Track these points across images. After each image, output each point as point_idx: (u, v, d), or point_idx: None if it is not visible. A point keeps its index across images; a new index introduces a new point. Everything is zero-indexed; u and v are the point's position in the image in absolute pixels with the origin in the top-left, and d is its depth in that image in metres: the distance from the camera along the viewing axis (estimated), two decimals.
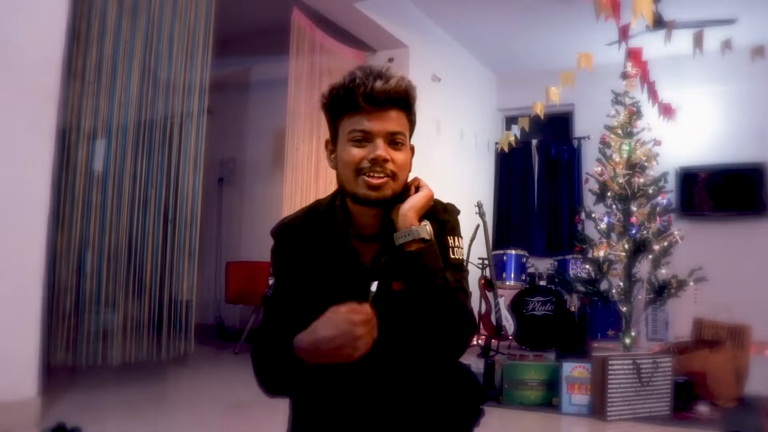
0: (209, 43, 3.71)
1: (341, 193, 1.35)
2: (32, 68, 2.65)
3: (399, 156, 1.28)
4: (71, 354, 3.39)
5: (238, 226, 6.00)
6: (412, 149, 1.36)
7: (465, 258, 1.41)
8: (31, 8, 2.67)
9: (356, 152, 1.26)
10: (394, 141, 1.28)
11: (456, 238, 1.37)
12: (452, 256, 1.34)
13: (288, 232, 1.37)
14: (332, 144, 1.35)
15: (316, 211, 1.39)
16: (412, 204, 1.30)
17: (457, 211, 1.43)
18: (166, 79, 3.71)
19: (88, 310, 3.47)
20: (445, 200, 1.45)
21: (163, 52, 3.62)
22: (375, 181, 1.26)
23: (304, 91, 4.72)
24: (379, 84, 1.23)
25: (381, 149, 1.25)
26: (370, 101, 1.24)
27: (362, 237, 1.34)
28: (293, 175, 4.65)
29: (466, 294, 1.33)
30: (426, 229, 1.27)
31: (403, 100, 1.28)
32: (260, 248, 5.50)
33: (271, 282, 1.37)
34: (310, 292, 1.28)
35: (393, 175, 1.28)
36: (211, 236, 5.74)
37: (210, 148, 3.95)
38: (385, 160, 1.26)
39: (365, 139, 1.27)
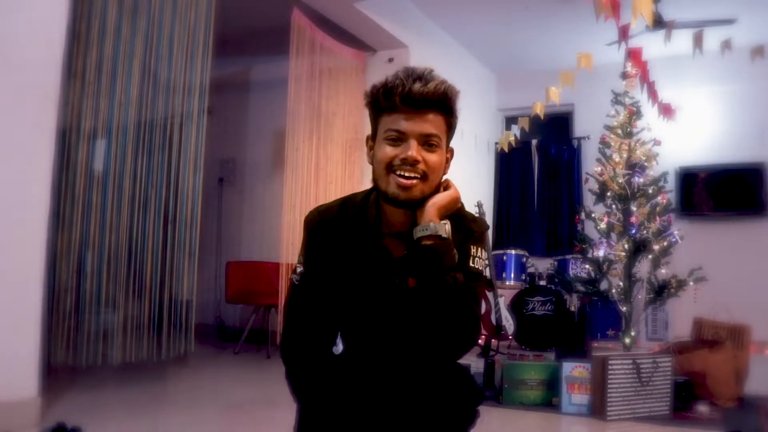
0: (209, 43, 3.71)
1: (376, 189, 1.38)
2: (32, 68, 2.65)
3: (432, 157, 1.30)
4: (71, 354, 3.40)
5: (238, 226, 6.00)
6: (451, 152, 1.39)
7: (485, 273, 1.43)
8: (31, 8, 2.67)
9: (390, 150, 1.30)
10: (428, 143, 1.30)
11: (479, 248, 1.39)
12: (472, 265, 1.37)
13: (322, 223, 1.40)
14: (372, 140, 1.38)
15: (350, 204, 1.42)
16: (435, 201, 1.32)
17: (486, 226, 1.47)
18: (166, 80, 3.72)
19: (88, 310, 3.47)
20: None
21: (163, 52, 3.62)
22: (405, 182, 1.29)
23: (304, 91, 4.72)
24: (417, 86, 1.26)
25: (413, 149, 1.28)
26: (407, 102, 1.27)
27: (393, 234, 1.37)
28: (293, 175, 4.65)
29: (477, 302, 1.37)
30: (445, 227, 1.30)
31: (441, 103, 1.30)
32: (260, 248, 5.55)
33: (299, 270, 1.40)
34: (339, 284, 1.32)
35: (424, 176, 1.30)
36: (211, 236, 5.74)
37: (210, 148, 3.95)
38: (416, 161, 1.28)
39: (400, 138, 1.29)
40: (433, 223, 1.29)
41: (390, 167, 1.30)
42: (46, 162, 2.69)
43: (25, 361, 2.58)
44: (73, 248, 3.40)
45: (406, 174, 1.28)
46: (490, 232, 1.36)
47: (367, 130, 1.41)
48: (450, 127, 1.35)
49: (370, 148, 1.38)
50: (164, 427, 2.74)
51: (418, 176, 1.29)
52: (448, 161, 1.37)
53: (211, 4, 3.70)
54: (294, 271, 1.41)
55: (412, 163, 1.28)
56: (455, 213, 1.39)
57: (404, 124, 1.28)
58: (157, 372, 3.73)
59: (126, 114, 3.59)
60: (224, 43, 5.52)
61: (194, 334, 3.80)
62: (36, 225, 2.66)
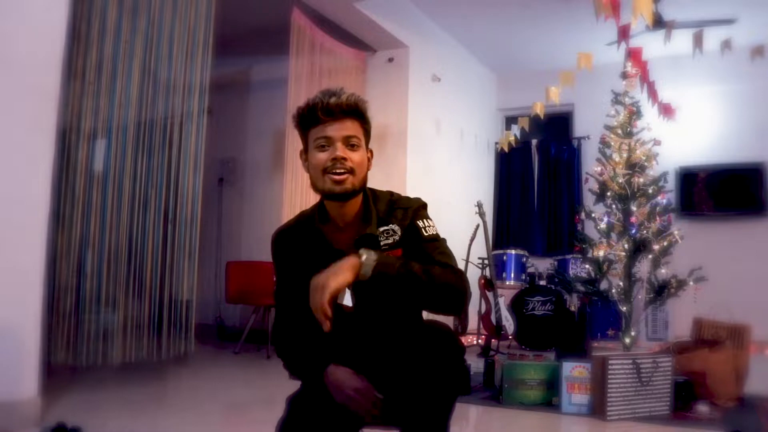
0: (209, 43, 3.71)
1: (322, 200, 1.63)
2: (32, 68, 2.65)
3: (355, 155, 1.55)
4: (71, 354, 3.40)
5: (238, 226, 6.00)
6: (371, 153, 1.64)
7: (438, 233, 1.63)
8: (31, 8, 2.67)
9: (321, 155, 1.55)
10: (350, 143, 1.55)
11: (424, 219, 1.63)
12: (426, 234, 1.61)
13: (281, 237, 1.69)
14: (305, 153, 1.62)
15: (303, 215, 1.70)
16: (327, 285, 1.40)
17: (422, 203, 1.66)
18: (166, 79, 3.72)
19: (88, 310, 3.48)
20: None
21: (163, 52, 3.62)
22: (337, 178, 1.53)
23: (304, 91, 4.72)
24: (333, 99, 1.53)
25: (339, 150, 1.53)
26: (327, 113, 1.54)
27: (340, 228, 1.61)
28: (293, 175, 4.65)
29: (449, 256, 1.58)
30: (371, 258, 1.44)
31: (354, 111, 1.56)
32: (260, 248, 5.50)
33: (275, 280, 1.69)
34: (303, 282, 1.48)
35: (351, 171, 1.54)
36: (211, 236, 5.74)
37: (210, 148, 3.95)
38: (344, 159, 1.53)
39: (327, 143, 1.55)
40: (366, 260, 1.43)
41: (324, 170, 1.54)
42: (46, 162, 2.69)
43: (25, 361, 2.58)
44: (73, 248, 3.40)
45: (338, 170, 1.53)
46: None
47: None
48: (366, 131, 1.60)
49: (305, 160, 1.61)
50: (164, 427, 2.74)
51: (347, 171, 1.53)
52: (369, 160, 1.62)
53: (211, 4, 3.70)
54: (274, 293, 1.70)
55: (341, 161, 1.53)
56: (390, 200, 1.65)
57: (329, 131, 1.54)
58: (157, 372, 3.73)
59: (126, 114, 3.59)
60: (224, 43, 5.51)
61: (194, 334, 3.80)
62: (36, 225, 2.66)
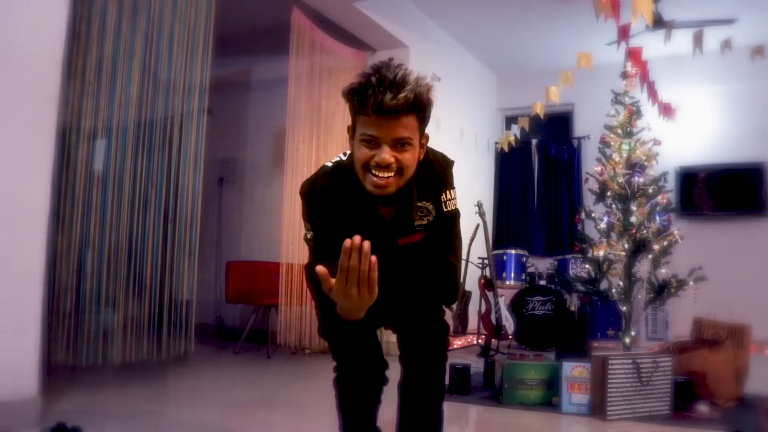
0: (209, 43, 3.71)
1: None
2: (32, 68, 2.65)
3: (405, 156, 1.45)
4: (71, 354, 3.40)
5: (238, 226, 6.00)
6: (426, 138, 1.53)
7: (457, 207, 1.68)
8: (31, 8, 2.67)
9: (365, 152, 1.44)
10: (400, 143, 1.43)
11: (450, 191, 1.63)
12: (445, 210, 1.62)
13: (318, 192, 1.58)
14: (351, 132, 1.52)
15: (341, 171, 1.58)
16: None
17: (452, 164, 1.67)
18: (166, 79, 3.71)
19: (88, 310, 3.47)
20: None
21: (163, 52, 3.62)
22: (379, 182, 1.44)
23: (304, 91, 4.72)
24: (388, 97, 1.36)
25: (386, 153, 1.41)
26: (379, 111, 1.38)
27: (382, 200, 1.55)
28: (293, 175, 4.65)
29: (455, 249, 1.65)
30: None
31: (411, 108, 1.41)
32: (260, 248, 5.55)
33: (310, 235, 1.61)
34: (342, 239, 1.41)
35: (398, 171, 1.45)
36: (211, 236, 5.74)
37: (210, 148, 3.95)
38: (389, 164, 1.42)
39: (373, 142, 1.42)
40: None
41: (366, 166, 1.45)
42: (46, 162, 2.69)
43: (24, 361, 2.58)
44: (73, 248, 3.40)
45: (380, 174, 1.43)
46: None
47: None
48: (422, 121, 1.48)
49: (351, 138, 1.52)
50: (164, 427, 2.74)
51: (392, 174, 1.44)
52: (423, 146, 1.53)
53: (211, 4, 3.70)
54: (305, 237, 1.63)
55: (385, 166, 1.42)
56: (424, 160, 1.56)
57: (377, 131, 1.40)
58: (157, 372, 3.73)
59: (126, 114, 3.59)
60: (224, 43, 5.51)
61: (194, 333, 3.80)
62: (36, 225, 2.66)
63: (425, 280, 1.60)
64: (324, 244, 1.54)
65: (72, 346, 3.41)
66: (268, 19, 5.17)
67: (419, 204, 1.59)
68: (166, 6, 3.59)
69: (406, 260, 1.60)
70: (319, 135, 4.82)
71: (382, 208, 1.58)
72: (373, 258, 1.28)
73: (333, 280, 1.31)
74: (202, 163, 3.80)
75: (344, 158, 1.62)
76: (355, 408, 1.74)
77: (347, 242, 1.27)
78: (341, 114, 5.06)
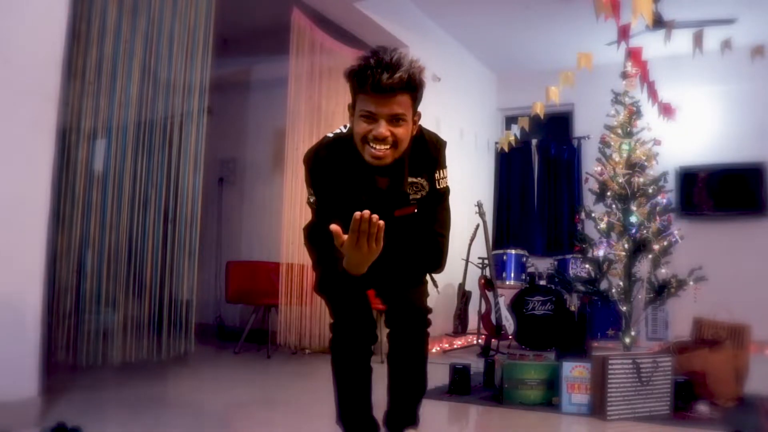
0: (209, 43, 3.71)
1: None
2: (32, 68, 2.65)
3: (399, 131, 1.62)
4: (71, 354, 3.40)
5: (238, 226, 6.00)
6: (419, 115, 1.71)
7: (447, 185, 1.87)
8: (31, 8, 2.67)
9: (364, 126, 1.62)
10: (395, 119, 1.60)
11: (442, 170, 1.82)
12: (438, 187, 1.81)
13: (321, 159, 1.74)
14: (352, 109, 1.69)
15: (341, 142, 1.74)
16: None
17: (445, 144, 1.86)
18: (166, 79, 3.71)
19: (88, 309, 3.48)
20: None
21: (163, 52, 3.62)
22: (377, 153, 1.62)
23: (304, 91, 4.72)
24: (385, 77, 1.53)
25: (383, 128, 1.59)
26: (377, 90, 1.55)
27: (379, 171, 1.73)
28: (293, 175, 4.65)
29: (444, 223, 1.85)
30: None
31: (406, 86, 1.58)
32: (260, 248, 5.55)
33: (312, 199, 1.78)
34: (346, 207, 1.62)
35: (393, 144, 1.63)
36: (211, 236, 5.74)
37: (210, 148, 3.95)
38: (386, 137, 1.60)
39: (371, 117, 1.60)
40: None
41: (365, 139, 1.62)
42: (46, 162, 2.69)
43: (25, 361, 2.58)
44: (73, 248, 3.40)
45: (378, 147, 1.61)
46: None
47: None
48: (415, 99, 1.65)
49: (351, 115, 1.69)
50: (164, 427, 2.74)
51: (388, 146, 1.62)
52: (416, 123, 1.70)
53: (211, 4, 3.70)
54: (308, 201, 1.80)
55: (382, 140, 1.60)
56: (417, 136, 1.75)
57: (375, 107, 1.58)
58: (157, 372, 3.73)
59: (126, 114, 3.59)
60: (224, 43, 5.53)
61: (194, 334, 3.80)
62: (36, 225, 2.66)
63: (416, 245, 1.82)
64: (326, 208, 1.73)
65: (72, 346, 3.41)
66: (268, 19, 5.18)
67: (414, 180, 1.77)
68: (166, 6, 3.59)
69: (400, 229, 1.78)
70: (319, 135, 4.75)
71: (380, 179, 1.75)
72: (378, 219, 1.48)
73: (345, 236, 1.50)
74: (202, 163, 3.80)
75: (344, 131, 1.77)
76: (350, 370, 1.85)
77: (357, 214, 1.46)
78: (341, 114, 5.05)
